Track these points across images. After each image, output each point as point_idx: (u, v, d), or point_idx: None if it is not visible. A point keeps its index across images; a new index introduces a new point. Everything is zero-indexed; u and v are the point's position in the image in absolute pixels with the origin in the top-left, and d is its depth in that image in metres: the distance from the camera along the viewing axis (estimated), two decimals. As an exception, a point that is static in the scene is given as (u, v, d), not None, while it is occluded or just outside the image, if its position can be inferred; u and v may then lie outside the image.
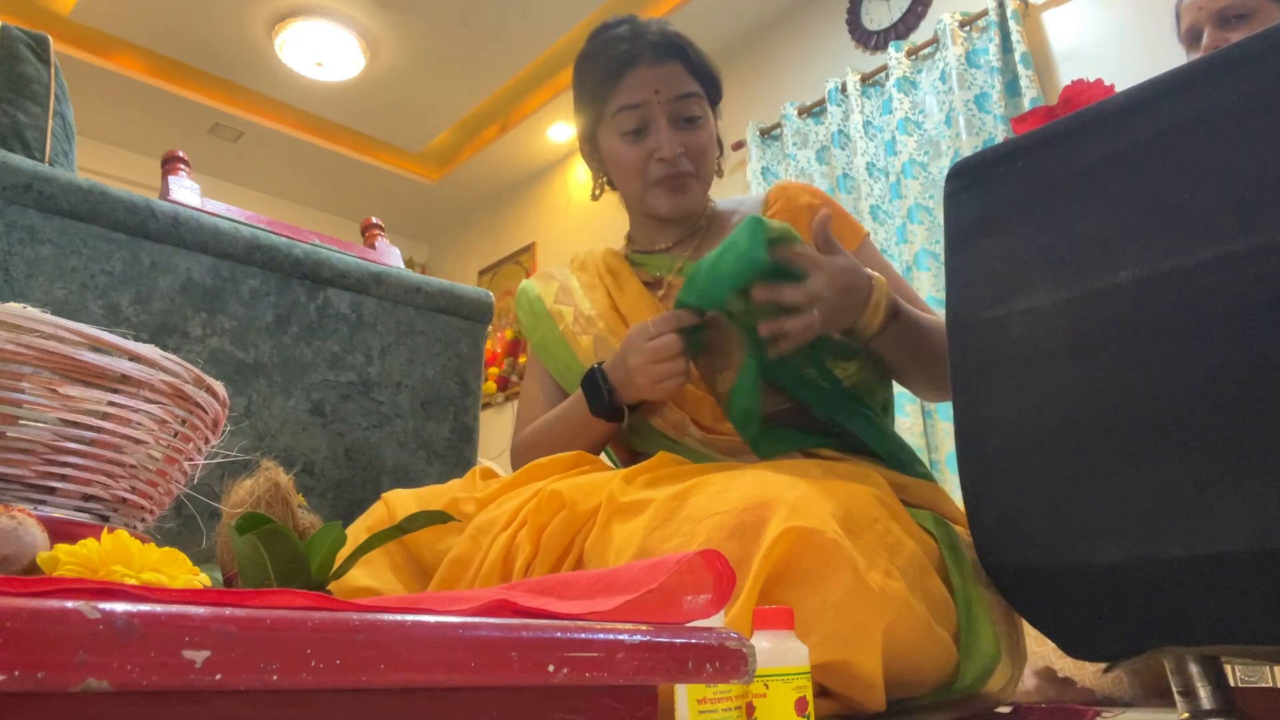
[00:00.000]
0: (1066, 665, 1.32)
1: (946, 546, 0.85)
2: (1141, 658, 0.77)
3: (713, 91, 1.18)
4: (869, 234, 1.21)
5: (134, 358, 0.53)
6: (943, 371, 0.88)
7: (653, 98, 1.11)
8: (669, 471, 0.90)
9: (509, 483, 1.00)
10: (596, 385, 1.05)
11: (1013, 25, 2.74)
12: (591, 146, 1.22)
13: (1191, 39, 1.44)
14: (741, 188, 3.49)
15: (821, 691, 0.72)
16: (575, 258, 1.27)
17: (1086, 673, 1.30)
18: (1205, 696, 0.75)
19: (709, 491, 0.76)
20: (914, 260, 2.74)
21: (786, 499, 0.70)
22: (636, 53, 1.12)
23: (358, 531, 0.95)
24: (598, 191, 1.25)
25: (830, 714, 0.73)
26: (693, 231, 1.20)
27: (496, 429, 4.20)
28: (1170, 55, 1.50)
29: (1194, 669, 0.76)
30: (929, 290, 2.68)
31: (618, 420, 1.07)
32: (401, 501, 1.00)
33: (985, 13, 2.80)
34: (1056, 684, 1.34)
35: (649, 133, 1.12)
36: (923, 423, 2.61)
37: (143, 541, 0.45)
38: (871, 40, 3.21)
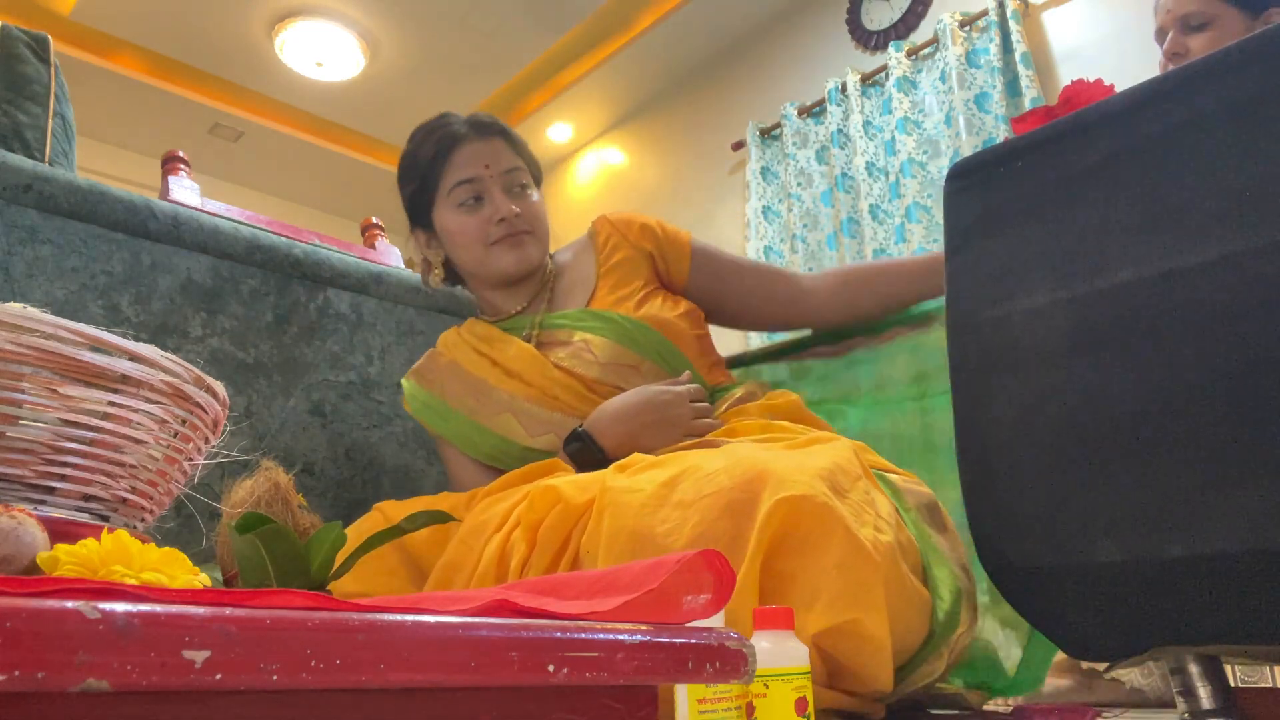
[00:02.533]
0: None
1: (894, 496, 0.87)
2: (1141, 658, 0.77)
3: (535, 170, 1.27)
4: (691, 238, 1.25)
5: (134, 358, 0.53)
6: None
7: (484, 172, 1.19)
8: (663, 457, 0.91)
9: (494, 487, 1.01)
10: (588, 448, 1.05)
11: (1013, 25, 2.74)
12: (426, 234, 1.26)
13: (1161, 39, 1.50)
14: (741, 188, 3.49)
15: (826, 684, 0.72)
16: (441, 349, 1.26)
17: (1134, 672, 1.30)
18: (1205, 696, 0.75)
19: (697, 476, 0.77)
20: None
21: (774, 470, 0.71)
22: (462, 133, 1.21)
23: (351, 539, 0.94)
24: (434, 279, 1.27)
25: (832, 708, 0.73)
26: (541, 287, 1.25)
27: (496, 429, 4.19)
28: (1170, 55, 1.52)
29: (1194, 669, 0.76)
30: (928, 289, 2.68)
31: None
32: (395, 511, 1.01)
33: (985, 13, 2.80)
34: (1082, 676, 1.34)
35: (485, 202, 1.19)
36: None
37: (143, 541, 0.45)
38: (871, 40, 3.21)
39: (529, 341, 1.19)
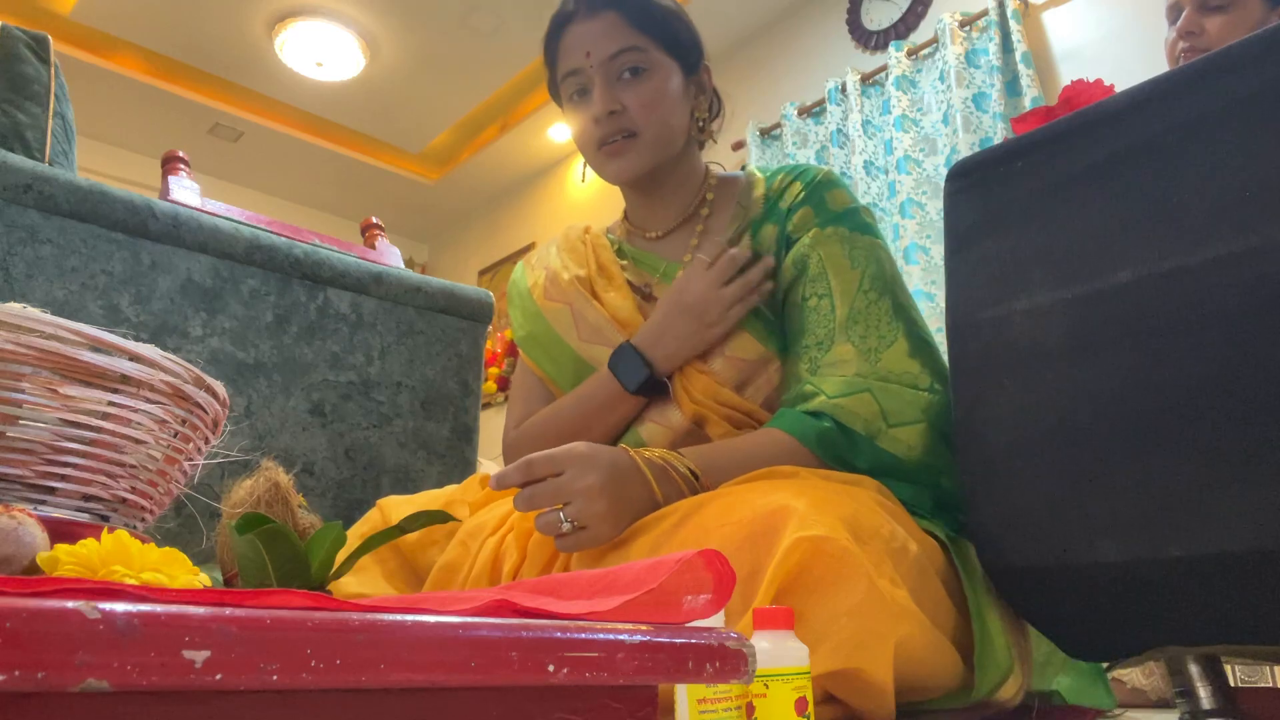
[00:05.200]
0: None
1: (959, 558, 0.84)
2: (1141, 658, 0.77)
3: (664, 35, 1.04)
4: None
5: (134, 358, 0.53)
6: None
7: (584, 61, 1.02)
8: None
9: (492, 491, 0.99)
10: (633, 360, 0.97)
11: (1013, 25, 2.74)
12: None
13: (1174, 16, 1.45)
14: (741, 188, 3.49)
15: (827, 698, 0.71)
16: (567, 236, 1.17)
17: (1135, 672, 1.29)
18: (1205, 696, 0.75)
19: (719, 504, 0.75)
20: (904, 254, 2.76)
21: (797, 507, 0.69)
22: (570, 10, 1.05)
23: (352, 539, 0.94)
24: (582, 177, 1.15)
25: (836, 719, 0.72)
26: (685, 217, 1.08)
27: (496, 429, 4.18)
28: (1170, 55, 1.50)
29: (1194, 669, 0.76)
30: (918, 283, 2.70)
31: (661, 393, 1.00)
32: (396, 507, 1.00)
33: (985, 12, 2.81)
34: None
35: (590, 96, 1.03)
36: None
37: (143, 541, 0.45)
38: (871, 40, 3.21)
39: (647, 297, 1.06)
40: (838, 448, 0.87)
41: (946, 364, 0.89)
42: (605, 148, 1.02)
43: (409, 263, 5.02)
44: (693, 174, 1.09)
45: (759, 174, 1.08)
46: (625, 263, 1.11)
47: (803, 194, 1.01)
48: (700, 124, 1.09)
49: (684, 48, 1.05)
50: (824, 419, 0.88)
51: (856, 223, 0.99)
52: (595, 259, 1.11)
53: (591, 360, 1.04)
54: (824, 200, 1.00)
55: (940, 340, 0.89)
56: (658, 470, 0.84)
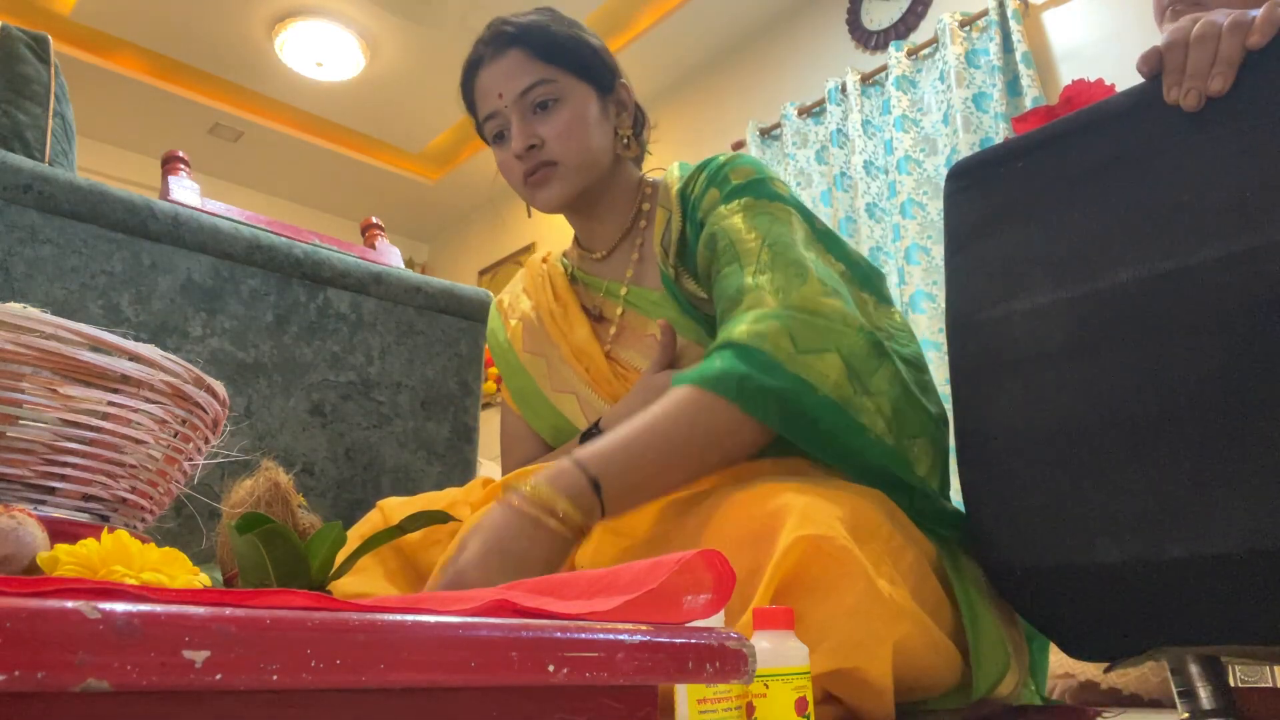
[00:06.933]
0: (1086, 668, 1.31)
1: (949, 558, 0.84)
2: (1141, 658, 0.77)
3: (571, 62, 1.03)
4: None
5: (134, 358, 0.53)
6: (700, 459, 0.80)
7: (498, 103, 1.03)
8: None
9: (497, 488, 0.99)
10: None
11: (1013, 25, 2.74)
12: None
13: None
14: (741, 188, 3.49)
15: (826, 698, 0.71)
16: (529, 272, 1.17)
17: (1111, 674, 1.30)
18: (1205, 696, 0.75)
19: (717, 505, 0.75)
20: (905, 255, 2.75)
21: (796, 506, 0.69)
22: (478, 56, 1.06)
23: (351, 540, 0.94)
24: (528, 212, 1.14)
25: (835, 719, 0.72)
26: (624, 232, 1.09)
27: (496, 429, 4.19)
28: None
29: (1194, 669, 0.76)
30: (920, 284, 2.69)
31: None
32: (396, 509, 1.00)
33: (985, 12, 2.81)
34: (1079, 688, 1.33)
35: (509, 134, 1.03)
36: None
37: (143, 541, 0.45)
38: (871, 40, 3.21)
39: (603, 322, 1.07)
40: (745, 383, 0.79)
41: (860, 315, 0.85)
42: (529, 180, 1.03)
43: (409, 263, 5.02)
44: (626, 190, 1.10)
45: (676, 171, 1.08)
46: (579, 287, 1.13)
47: (706, 179, 1.01)
48: (625, 141, 1.08)
49: (594, 70, 1.05)
50: (723, 353, 0.82)
51: (761, 191, 0.97)
52: (551, 288, 1.13)
53: (559, 406, 1.08)
54: (726, 178, 0.99)
55: (941, 342, 0.88)
56: (529, 523, 0.77)
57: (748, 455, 0.85)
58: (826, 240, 0.98)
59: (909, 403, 0.86)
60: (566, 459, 0.80)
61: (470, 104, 1.09)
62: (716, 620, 0.52)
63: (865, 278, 0.99)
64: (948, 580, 0.82)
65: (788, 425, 0.81)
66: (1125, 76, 0.86)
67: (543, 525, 0.76)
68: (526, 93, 1.01)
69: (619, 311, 1.07)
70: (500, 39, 1.04)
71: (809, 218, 0.99)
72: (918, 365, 0.93)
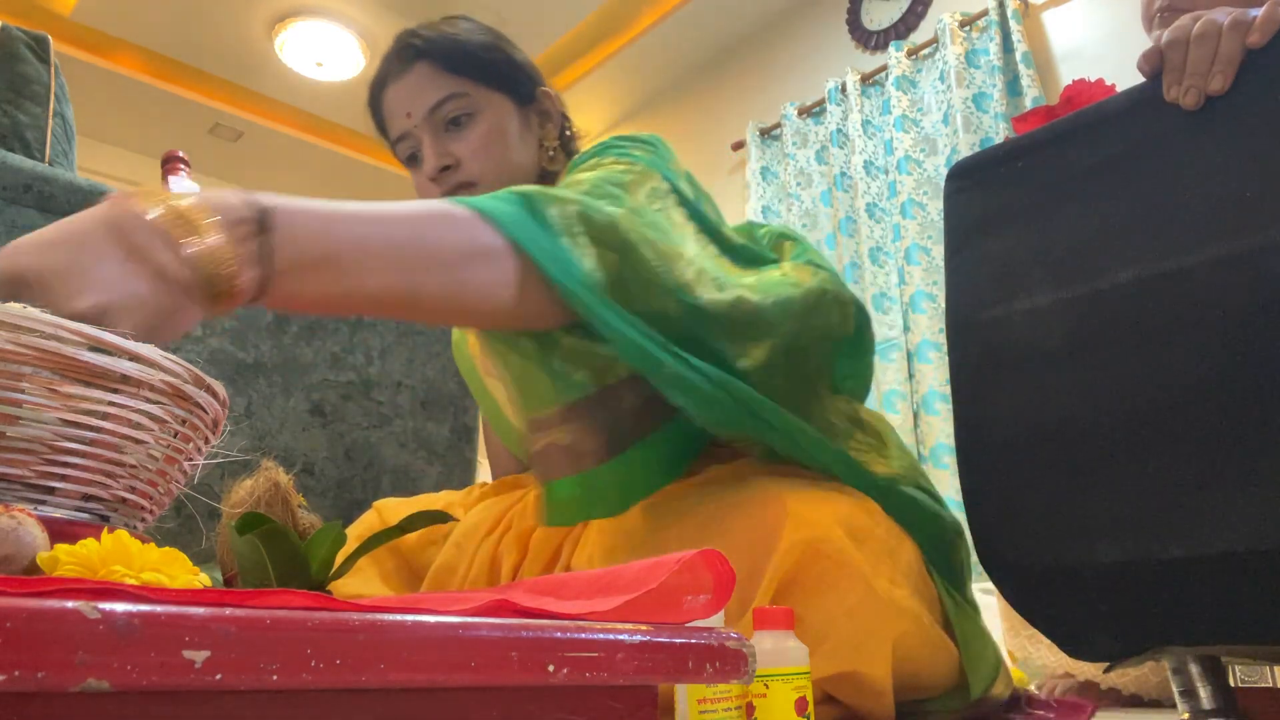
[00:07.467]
0: (1086, 668, 1.31)
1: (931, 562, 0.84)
2: (1141, 658, 0.77)
3: (483, 73, 0.96)
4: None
5: (134, 358, 0.53)
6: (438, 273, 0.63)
7: (407, 123, 0.96)
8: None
9: (490, 490, 1.00)
10: None
11: (1013, 25, 2.74)
12: None
13: None
14: (741, 188, 3.49)
15: (826, 698, 0.71)
16: None
17: (1111, 674, 1.30)
18: (1205, 696, 0.75)
19: (716, 506, 0.75)
20: (905, 255, 2.75)
21: (794, 508, 0.69)
22: (384, 73, 0.98)
23: (349, 541, 0.93)
24: None
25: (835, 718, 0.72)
26: None
27: (496, 429, 4.19)
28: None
29: (1194, 669, 0.76)
30: (920, 284, 2.69)
31: None
32: (393, 509, 1.00)
33: (985, 12, 2.81)
34: (1079, 688, 1.33)
35: (422, 156, 0.97)
36: (913, 419, 2.62)
37: (143, 541, 0.45)
38: (871, 40, 3.21)
39: None
40: (517, 220, 0.68)
41: (694, 266, 0.75)
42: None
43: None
44: None
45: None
46: None
47: (570, 165, 0.93)
48: (551, 152, 1.01)
49: (511, 80, 0.98)
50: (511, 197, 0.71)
51: (602, 148, 0.89)
52: None
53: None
54: (582, 154, 0.91)
55: (941, 342, 0.88)
56: (142, 229, 0.54)
57: (481, 304, 0.68)
58: (688, 208, 0.86)
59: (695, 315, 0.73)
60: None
61: (380, 126, 1.02)
62: (716, 620, 0.52)
63: (734, 250, 0.87)
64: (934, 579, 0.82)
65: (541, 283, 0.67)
66: (1125, 76, 0.86)
67: (163, 236, 0.52)
68: (436, 109, 0.94)
69: None
70: (406, 53, 0.96)
71: (656, 164, 0.86)
72: (720, 315, 0.76)
